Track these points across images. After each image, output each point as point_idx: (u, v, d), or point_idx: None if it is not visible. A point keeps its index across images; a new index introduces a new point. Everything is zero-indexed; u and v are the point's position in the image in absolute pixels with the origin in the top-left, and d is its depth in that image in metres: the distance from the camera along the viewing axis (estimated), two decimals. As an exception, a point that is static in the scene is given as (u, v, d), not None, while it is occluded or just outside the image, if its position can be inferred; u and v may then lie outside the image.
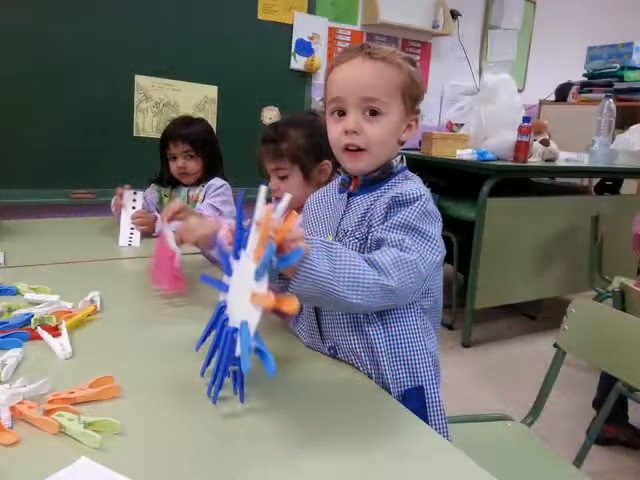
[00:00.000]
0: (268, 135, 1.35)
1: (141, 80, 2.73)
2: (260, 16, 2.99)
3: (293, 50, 3.14)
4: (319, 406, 0.78)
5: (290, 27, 3.10)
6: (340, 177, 1.01)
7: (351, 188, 0.96)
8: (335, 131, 0.92)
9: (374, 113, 0.89)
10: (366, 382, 0.87)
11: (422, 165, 2.94)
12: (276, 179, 1.35)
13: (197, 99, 2.90)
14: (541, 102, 4.25)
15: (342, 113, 0.91)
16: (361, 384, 0.86)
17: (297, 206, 1.07)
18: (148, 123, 2.78)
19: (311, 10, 3.17)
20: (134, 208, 1.63)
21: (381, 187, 0.92)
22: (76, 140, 2.59)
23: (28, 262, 1.33)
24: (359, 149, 0.90)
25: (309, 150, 1.31)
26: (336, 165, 1.15)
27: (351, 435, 0.71)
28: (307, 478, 0.63)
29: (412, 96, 0.92)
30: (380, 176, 0.93)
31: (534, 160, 2.78)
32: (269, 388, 0.79)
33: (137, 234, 1.60)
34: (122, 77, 2.67)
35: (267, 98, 3.08)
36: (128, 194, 1.64)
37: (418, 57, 3.67)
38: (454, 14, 3.69)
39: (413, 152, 2.93)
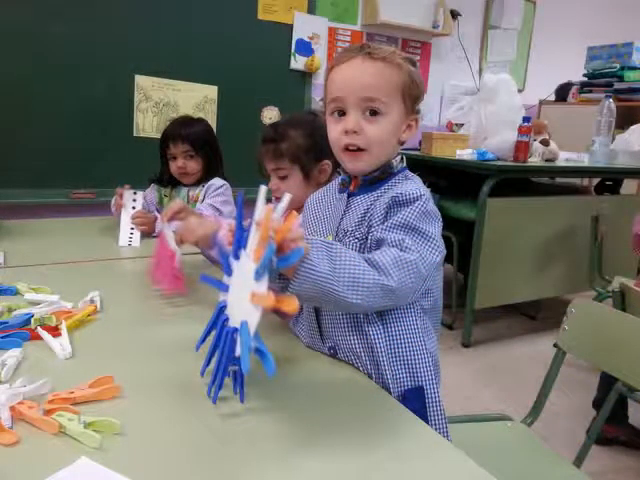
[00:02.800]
0: (268, 135, 1.34)
1: (141, 80, 2.72)
2: (260, 16, 2.99)
3: (293, 50, 3.14)
4: (319, 406, 0.78)
5: (290, 27, 3.10)
6: (340, 177, 1.01)
7: (351, 188, 0.96)
8: (335, 131, 0.92)
9: (374, 113, 0.89)
10: (366, 382, 0.87)
11: (422, 165, 2.93)
12: (276, 179, 1.35)
13: (197, 99, 2.90)
14: (541, 102, 4.26)
15: (342, 113, 0.91)
16: (361, 384, 0.86)
17: (297, 206, 1.08)
18: (148, 123, 2.78)
19: (311, 10, 3.17)
20: (134, 208, 1.63)
21: (381, 187, 0.92)
22: (76, 140, 2.59)
23: (28, 262, 1.33)
24: (359, 149, 0.90)
25: (309, 150, 1.31)
26: (336, 165, 1.15)
27: (351, 435, 0.71)
28: (307, 478, 0.63)
29: (412, 96, 0.91)
30: (380, 176, 0.93)
31: (534, 160, 2.78)
32: (269, 388, 0.79)
33: (137, 234, 1.60)
34: (122, 77, 2.67)
35: (267, 98, 3.08)
36: (128, 194, 1.64)
37: (418, 57, 3.68)
38: (454, 14, 3.69)
39: (413, 152, 2.93)
